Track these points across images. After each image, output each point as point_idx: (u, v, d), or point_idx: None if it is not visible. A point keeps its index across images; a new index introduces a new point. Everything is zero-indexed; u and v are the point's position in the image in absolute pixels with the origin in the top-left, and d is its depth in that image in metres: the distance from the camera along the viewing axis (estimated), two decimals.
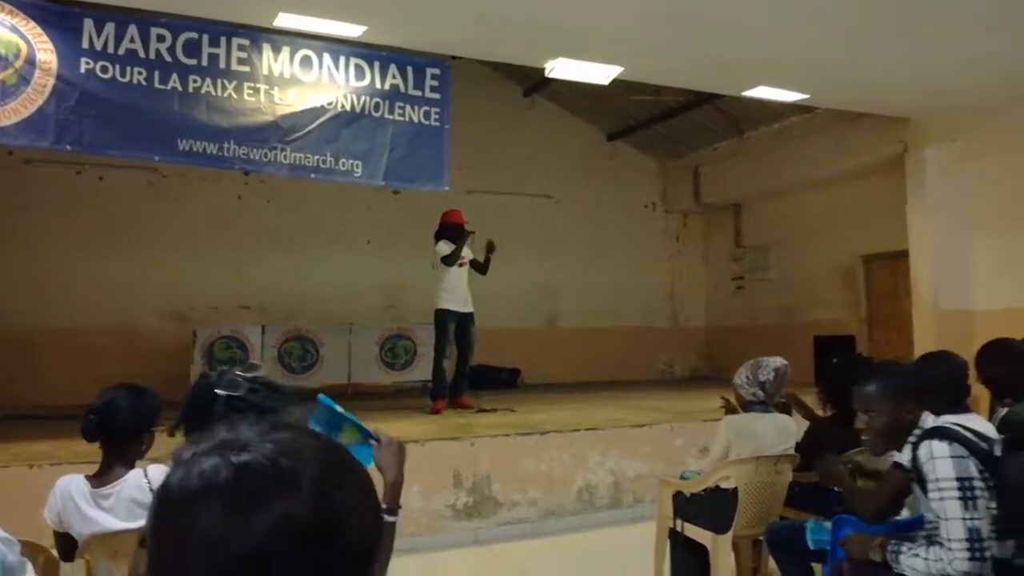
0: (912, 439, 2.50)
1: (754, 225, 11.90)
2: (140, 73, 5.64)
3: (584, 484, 5.74)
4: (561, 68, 6.66)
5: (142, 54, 5.65)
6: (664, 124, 11.11)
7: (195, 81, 5.81)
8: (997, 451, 2.44)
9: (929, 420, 2.54)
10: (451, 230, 7.22)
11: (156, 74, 5.68)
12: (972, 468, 2.34)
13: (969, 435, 2.45)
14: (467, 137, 8.96)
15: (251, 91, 6.01)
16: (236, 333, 8.68)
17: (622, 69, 6.72)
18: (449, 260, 7.09)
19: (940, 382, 2.88)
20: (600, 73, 6.78)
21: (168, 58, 5.73)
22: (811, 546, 2.84)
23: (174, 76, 5.74)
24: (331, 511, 0.75)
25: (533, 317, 11.39)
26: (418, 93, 6.42)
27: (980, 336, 4.08)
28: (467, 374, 7.44)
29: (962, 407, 2.78)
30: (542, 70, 6.85)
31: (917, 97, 7.61)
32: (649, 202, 12.53)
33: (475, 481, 5.35)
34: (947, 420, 2.50)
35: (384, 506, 1.70)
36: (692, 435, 6.10)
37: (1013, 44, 6.18)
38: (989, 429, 2.68)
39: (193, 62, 5.81)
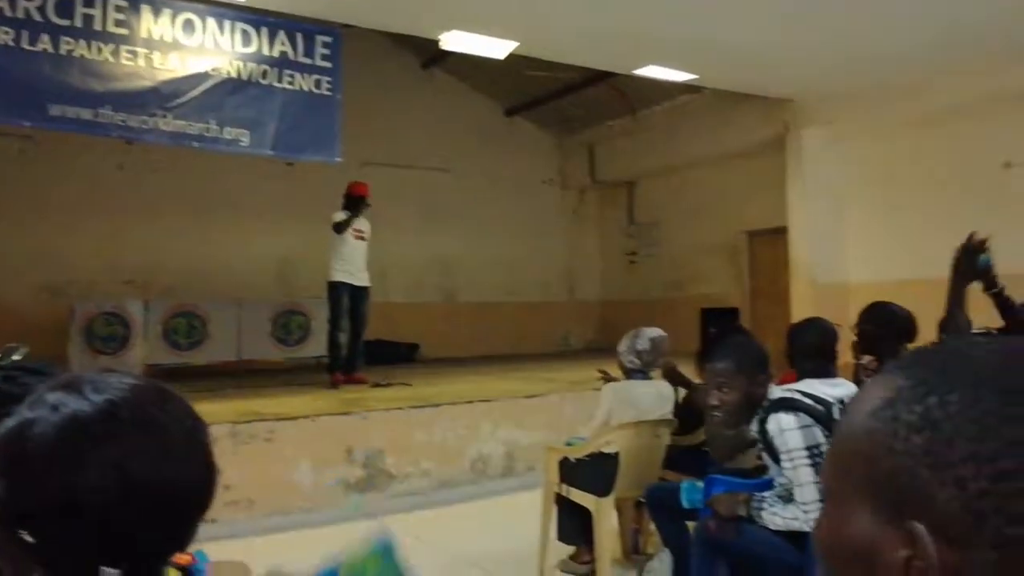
0: (760, 412, 2.64)
1: (646, 202, 12.23)
2: (7, 33, 5.29)
3: (477, 455, 5.82)
4: (456, 40, 6.63)
5: (8, 12, 5.30)
6: (561, 101, 11.24)
7: (68, 43, 5.49)
8: (836, 414, 2.62)
9: (776, 392, 2.69)
10: (351, 201, 7.11)
11: (24, 34, 5.34)
12: (819, 435, 2.51)
13: (810, 403, 2.62)
14: (363, 108, 8.82)
15: (129, 55, 5.73)
16: (117, 309, 8.30)
17: (517, 44, 6.74)
18: (339, 228, 6.96)
19: (811, 348, 3.03)
20: (495, 47, 6.78)
21: (38, 17, 5.39)
22: (685, 505, 2.97)
23: (44, 37, 5.41)
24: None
25: (431, 292, 11.39)
26: (308, 61, 6.27)
27: (854, 307, 4.32)
28: (361, 348, 7.36)
29: (831, 371, 2.96)
30: (439, 42, 6.80)
31: (798, 80, 7.96)
32: (547, 178, 12.67)
33: (368, 455, 5.35)
34: (792, 388, 2.65)
35: None
36: (583, 404, 6.23)
37: (880, 28, 6.52)
38: (851, 391, 2.87)
39: (66, 23, 5.49)
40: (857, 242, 8.95)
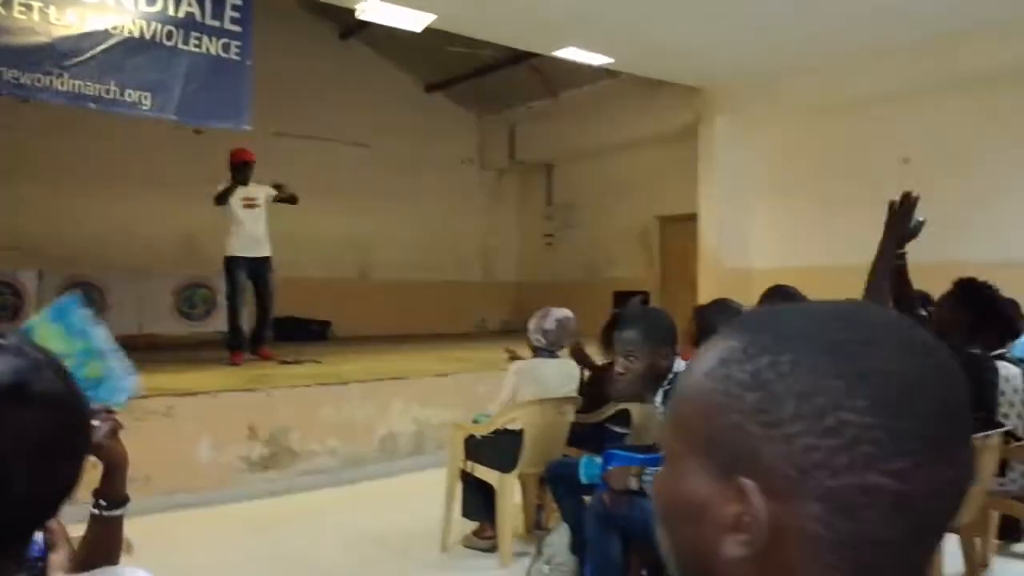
0: (665, 385, 2.69)
1: (565, 184, 12.33)
2: None
3: (387, 432, 5.78)
4: (372, 10, 6.50)
5: None
6: (482, 79, 11.17)
7: None
8: None
9: (681, 365, 2.75)
10: (234, 168, 6.83)
11: None
12: None
13: None
14: (277, 77, 8.55)
15: (23, 8, 5.39)
16: (8, 278, 7.86)
17: (435, 17, 6.65)
18: (219, 199, 6.69)
19: (715, 327, 3.10)
20: (412, 19, 6.68)
21: None
22: (583, 480, 3.02)
23: None
24: None
25: (345, 268, 11.21)
26: (216, 24, 6.02)
27: (757, 292, 4.47)
28: (268, 323, 7.12)
29: None
30: (355, 12, 6.64)
31: (709, 69, 8.14)
32: (466, 157, 12.61)
33: (272, 432, 5.23)
34: None
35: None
36: (496, 383, 6.22)
37: (788, 19, 6.71)
38: None
39: None
40: (762, 229, 9.25)
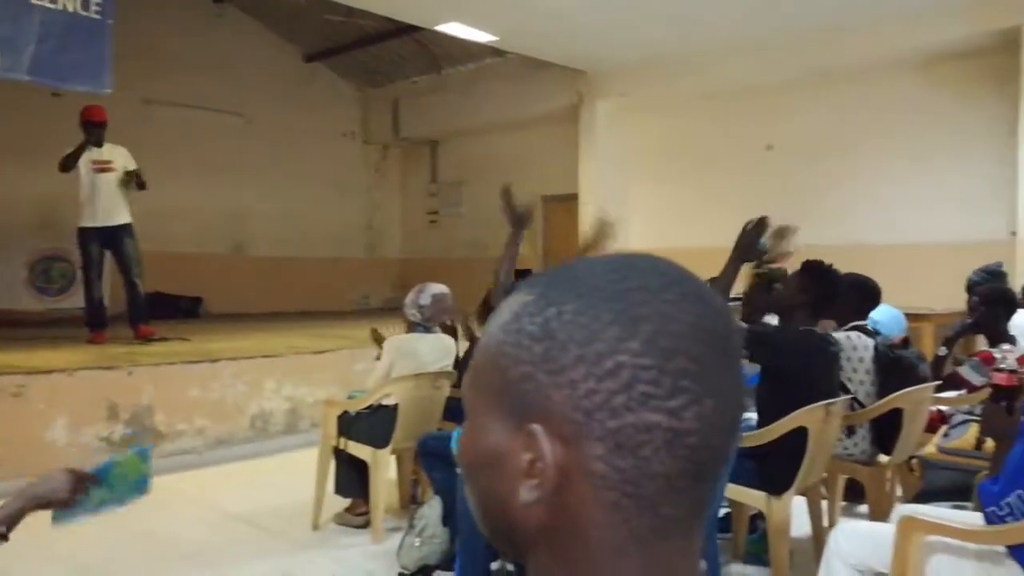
0: None
1: (449, 161, 12.27)
2: None
3: (258, 411, 5.63)
4: None
5: None
6: (364, 51, 10.93)
7: None
8: None
9: None
10: (84, 128, 6.29)
11: None
12: None
13: None
14: (146, 41, 8.11)
15: None
16: None
17: None
18: (63, 165, 6.18)
19: None
20: None
21: None
22: (455, 452, 3.03)
23: None
24: None
25: (219, 243, 10.76)
26: None
27: None
28: (140, 297, 6.54)
29: None
30: None
31: (592, 52, 8.27)
32: (348, 131, 12.33)
33: (134, 412, 5.00)
34: None
35: None
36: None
37: (667, 7, 6.90)
38: None
39: None
40: (641, 211, 9.52)
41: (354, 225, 12.41)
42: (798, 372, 3.06)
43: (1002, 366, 2.38)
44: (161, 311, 8.60)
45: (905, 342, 3.94)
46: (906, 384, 3.41)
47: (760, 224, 2.96)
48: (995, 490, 1.97)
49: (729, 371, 0.51)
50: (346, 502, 4.07)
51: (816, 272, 3.22)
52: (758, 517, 3.44)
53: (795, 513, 3.35)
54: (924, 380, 3.57)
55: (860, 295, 3.72)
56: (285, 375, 5.78)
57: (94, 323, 6.44)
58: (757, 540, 3.45)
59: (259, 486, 4.87)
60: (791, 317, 3.24)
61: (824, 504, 3.74)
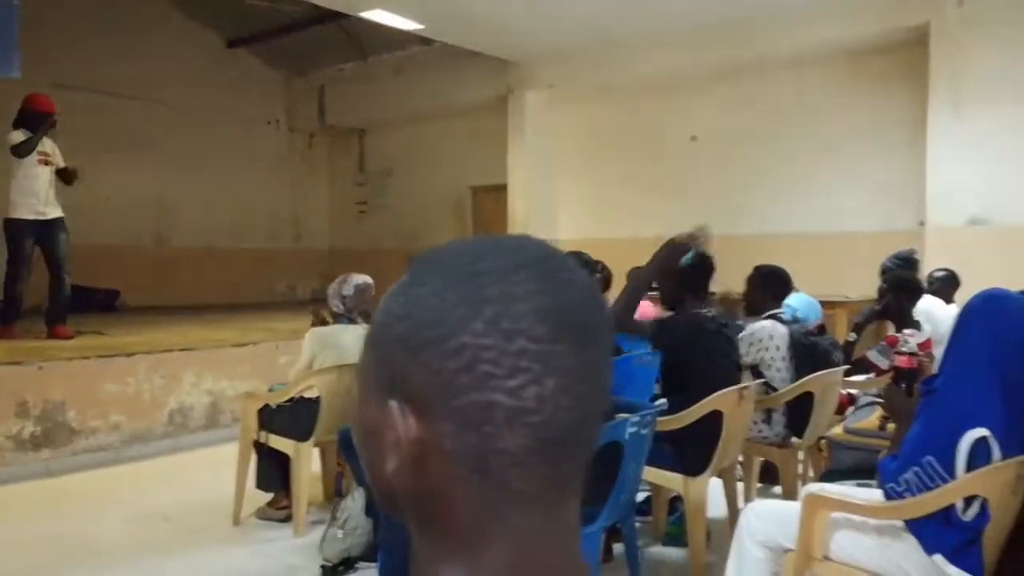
0: None
1: (378, 151, 12.13)
2: None
3: (177, 406, 5.48)
4: None
5: None
6: (288, 37, 10.67)
7: None
8: None
9: None
10: (33, 118, 6.00)
11: None
12: None
13: None
14: (59, 24, 7.78)
15: None
16: None
17: None
18: (21, 150, 5.91)
19: None
20: None
21: None
22: None
23: None
24: None
25: (139, 234, 10.42)
26: None
27: None
28: (66, 296, 6.24)
29: None
30: None
31: (521, 42, 8.29)
32: (273, 119, 12.06)
33: (45, 409, 4.80)
34: None
35: None
36: (299, 352, 6.11)
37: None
38: None
39: None
40: (569, 201, 9.61)
41: (280, 215, 12.17)
42: (697, 355, 3.17)
43: (903, 349, 2.48)
44: (76, 305, 8.25)
45: (821, 329, 4.08)
46: (821, 370, 3.54)
47: (687, 241, 3.07)
48: (893, 467, 2.05)
49: (578, 352, 0.52)
50: (268, 496, 4.00)
51: (697, 262, 3.34)
52: (678, 500, 3.52)
53: (713, 495, 3.44)
54: (837, 365, 3.71)
55: (772, 284, 3.83)
56: (205, 369, 5.64)
57: (10, 316, 6.13)
58: (676, 522, 3.53)
59: (178, 482, 4.75)
60: (682, 304, 3.34)
61: (741, 486, 3.86)
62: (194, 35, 10.97)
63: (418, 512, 0.55)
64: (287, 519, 3.85)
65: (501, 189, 9.68)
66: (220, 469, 4.30)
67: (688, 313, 3.32)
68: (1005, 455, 1.96)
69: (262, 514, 3.96)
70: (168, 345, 5.75)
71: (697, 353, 3.22)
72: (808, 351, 3.68)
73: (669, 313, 3.48)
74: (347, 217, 12.52)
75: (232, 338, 6.36)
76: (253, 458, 3.97)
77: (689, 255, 3.14)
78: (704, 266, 3.35)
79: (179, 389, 5.47)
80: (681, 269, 3.29)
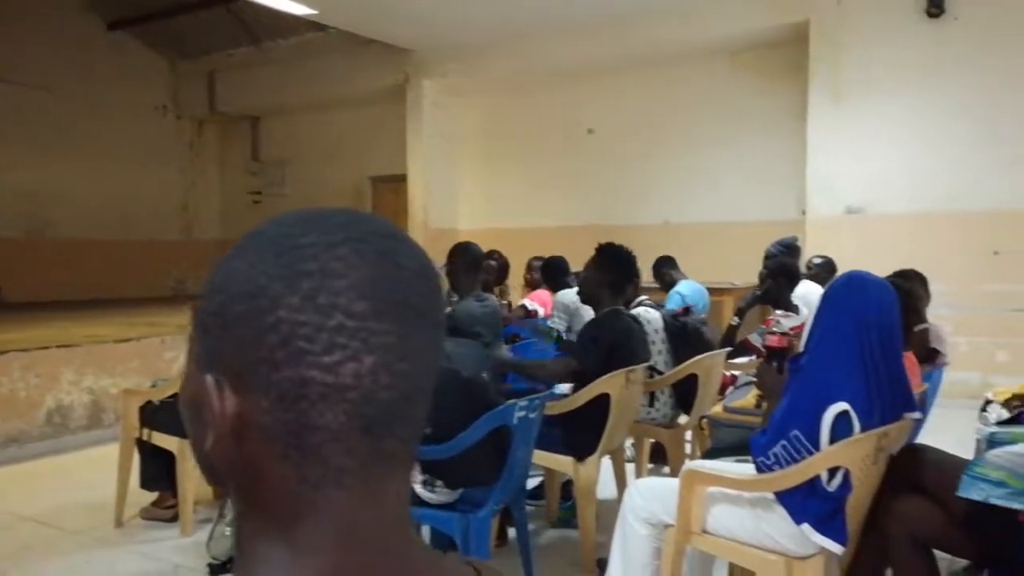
0: None
1: (272, 139, 11.81)
2: None
3: (56, 406, 5.20)
4: None
5: None
6: (174, 20, 10.24)
7: None
8: None
9: None
10: None
11: None
12: None
13: None
14: None
15: None
16: None
17: None
18: None
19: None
20: None
21: None
22: None
23: None
24: None
25: (13, 226, 9.82)
26: None
27: None
28: None
29: None
30: None
31: (418, 30, 8.20)
32: (159, 105, 11.55)
33: None
34: None
35: None
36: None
37: None
38: None
39: None
40: (469, 192, 9.61)
41: (168, 205, 11.69)
42: (619, 354, 3.22)
43: (775, 329, 2.61)
44: None
45: (686, 311, 4.23)
46: (696, 348, 3.68)
47: None
48: (763, 441, 2.16)
49: (401, 330, 0.52)
50: (153, 496, 3.85)
51: (611, 254, 3.39)
52: (571, 484, 3.59)
53: (607, 477, 3.53)
54: (710, 342, 3.88)
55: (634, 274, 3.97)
56: (85, 366, 5.37)
57: None
58: (569, 508, 3.60)
59: (57, 485, 4.52)
60: (598, 301, 3.40)
61: (633, 467, 3.97)
62: (72, 17, 10.38)
63: (238, 487, 0.54)
64: (174, 518, 3.72)
65: (401, 179, 9.59)
66: (103, 470, 4.11)
67: (609, 311, 3.36)
68: (864, 428, 2.09)
69: (147, 514, 3.82)
70: (45, 342, 5.45)
71: (623, 350, 3.26)
72: (680, 331, 3.85)
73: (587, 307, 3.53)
74: (240, 208, 12.12)
75: (115, 334, 6.08)
76: (137, 457, 3.81)
77: None
78: (627, 266, 3.41)
79: (57, 388, 5.20)
80: (604, 269, 3.36)
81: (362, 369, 0.50)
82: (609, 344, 3.24)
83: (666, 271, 5.54)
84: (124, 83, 10.85)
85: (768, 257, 4.99)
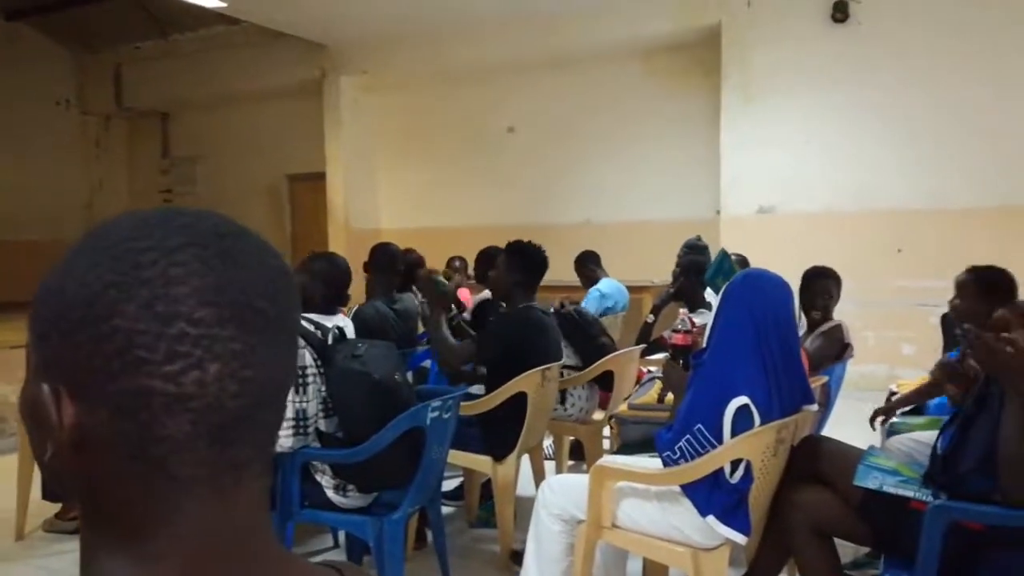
0: None
1: (183, 136, 11.44)
2: None
3: None
4: None
5: None
6: (77, 11, 9.80)
7: None
8: (331, 339, 2.78)
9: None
10: None
11: None
12: (308, 357, 2.61)
13: (309, 328, 2.75)
14: None
15: None
16: None
17: None
18: None
19: (323, 280, 3.07)
20: None
21: None
22: None
23: None
24: None
25: None
26: None
27: None
28: None
29: (336, 308, 3.08)
30: None
31: (332, 25, 8.07)
32: (62, 99, 11.05)
33: None
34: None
35: None
36: None
37: None
38: (346, 325, 3.05)
39: None
40: (389, 191, 9.52)
41: (72, 203, 11.17)
42: (536, 348, 3.24)
43: (679, 327, 2.68)
44: None
45: (561, 304, 4.32)
46: (587, 336, 3.74)
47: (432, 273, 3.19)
48: (668, 437, 2.22)
49: (247, 337, 0.51)
50: (56, 507, 3.69)
51: (521, 251, 3.41)
52: (491, 484, 3.59)
53: (527, 476, 3.55)
54: (594, 326, 3.96)
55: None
56: None
57: None
58: (490, 508, 3.60)
59: None
60: (511, 298, 3.41)
61: (552, 464, 4.01)
62: None
63: (83, 499, 0.53)
64: (77, 530, 3.56)
65: (320, 178, 9.43)
66: (1, 481, 3.92)
67: (521, 307, 3.37)
68: (764, 421, 2.16)
69: (51, 526, 3.66)
70: None
71: (535, 346, 3.28)
72: (571, 325, 3.87)
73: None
74: (149, 206, 11.60)
75: (13, 339, 5.79)
76: (37, 467, 3.65)
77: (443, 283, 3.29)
78: (537, 263, 3.43)
79: None
80: (514, 266, 3.36)
81: (206, 377, 0.49)
82: (511, 341, 3.25)
83: (590, 267, 5.57)
84: (24, 76, 10.35)
85: (679, 257, 5.11)
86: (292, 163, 10.29)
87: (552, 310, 3.84)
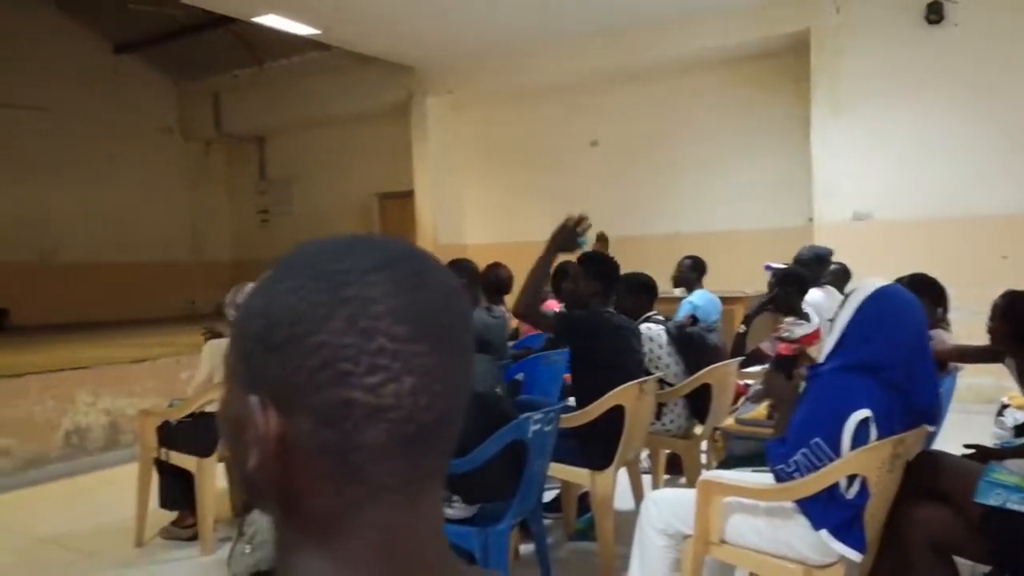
0: None
1: (278, 159, 11.88)
2: None
3: (73, 427, 5.24)
4: None
5: None
6: (179, 43, 10.33)
7: None
8: None
9: None
10: None
11: None
12: None
13: None
14: None
15: None
16: None
17: None
18: None
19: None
20: None
21: None
22: None
23: None
24: None
25: (22, 250, 9.89)
26: None
27: None
28: None
29: None
30: None
31: (420, 48, 8.26)
32: (165, 126, 11.65)
33: None
34: None
35: None
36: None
37: (489, 3, 7.02)
38: None
39: None
40: (474, 207, 9.65)
41: (177, 226, 11.76)
42: (603, 349, 3.26)
43: (784, 335, 2.63)
44: None
45: (693, 320, 4.27)
46: (704, 355, 3.70)
47: (580, 222, 3.16)
48: (782, 450, 2.17)
49: (437, 352, 0.54)
50: (173, 516, 3.88)
51: (596, 261, 3.45)
52: (588, 497, 3.59)
53: (623, 489, 3.54)
54: (716, 349, 3.92)
55: (641, 290, 4.01)
56: (101, 387, 5.41)
57: None
58: (587, 520, 3.60)
59: (76, 507, 4.55)
60: (588, 306, 3.45)
61: (649, 478, 3.98)
62: (79, 41, 10.51)
63: (281, 504, 0.56)
64: (193, 537, 3.74)
65: (408, 195, 9.63)
66: (121, 490, 4.15)
67: (592, 310, 3.41)
68: (881, 436, 2.10)
69: (167, 534, 3.84)
70: (60, 364, 5.50)
71: (603, 348, 3.31)
72: (686, 341, 3.87)
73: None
74: (249, 227, 12.20)
75: (129, 355, 6.13)
76: (156, 477, 3.84)
77: (583, 241, 3.24)
78: (611, 271, 3.46)
79: (74, 409, 5.24)
80: (590, 276, 3.39)
81: (403, 390, 0.52)
82: (585, 332, 3.33)
83: (694, 276, 5.50)
84: (130, 106, 10.95)
85: (797, 260, 5.01)
86: (382, 182, 10.56)
87: (676, 327, 3.88)
